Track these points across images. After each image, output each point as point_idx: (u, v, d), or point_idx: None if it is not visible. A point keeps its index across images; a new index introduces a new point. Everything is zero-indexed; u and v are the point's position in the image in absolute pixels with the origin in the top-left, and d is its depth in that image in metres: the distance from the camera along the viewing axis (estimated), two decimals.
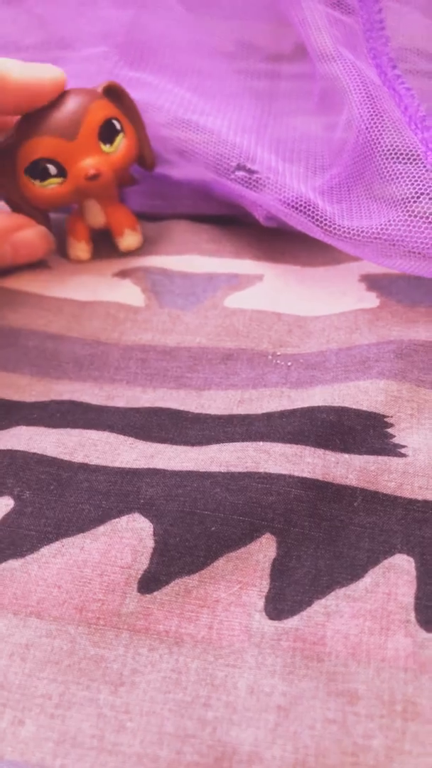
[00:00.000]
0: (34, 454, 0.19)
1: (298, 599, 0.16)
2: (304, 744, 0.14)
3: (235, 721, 0.15)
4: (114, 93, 0.25)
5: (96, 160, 0.24)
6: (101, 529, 0.17)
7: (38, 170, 0.24)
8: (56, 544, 0.17)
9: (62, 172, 0.24)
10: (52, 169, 0.24)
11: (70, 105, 0.24)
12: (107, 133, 0.24)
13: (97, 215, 0.26)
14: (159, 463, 0.19)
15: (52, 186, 0.24)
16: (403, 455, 0.19)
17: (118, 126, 0.24)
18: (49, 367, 0.23)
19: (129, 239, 0.26)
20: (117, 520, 0.18)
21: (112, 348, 0.23)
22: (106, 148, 0.24)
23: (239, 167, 0.24)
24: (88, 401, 0.22)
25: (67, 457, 0.19)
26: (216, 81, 0.30)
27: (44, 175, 0.24)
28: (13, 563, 0.17)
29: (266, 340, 0.23)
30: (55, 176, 0.24)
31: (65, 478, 0.19)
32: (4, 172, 0.25)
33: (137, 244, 0.27)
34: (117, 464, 0.19)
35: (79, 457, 0.19)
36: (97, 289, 0.25)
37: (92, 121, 0.24)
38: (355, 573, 0.17)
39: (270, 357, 0.22)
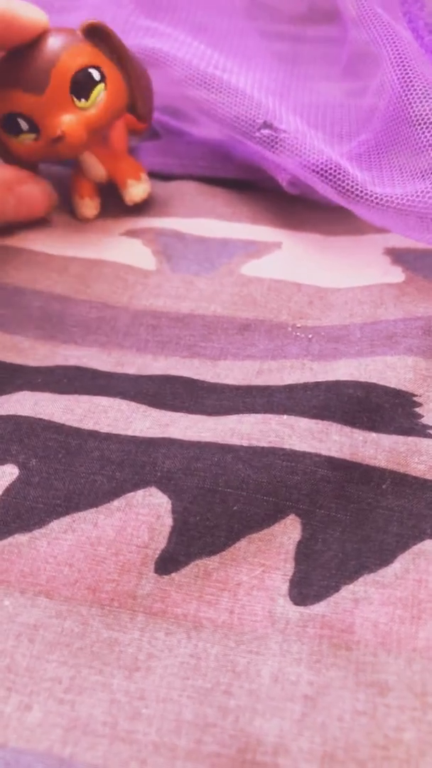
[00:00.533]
0: (41, 419, 0.18)
1: (324, 584, 0.15)
2: (333, 736, 0.13)
3: (258, 710, 0.14)
4: (97, 34, 0.22)
5: (68, 118, 0.21)
6: (116, 503, 0.16)
7: (11, 124, 0.22)
8: (67, 519, 0.16)
9: (35, 128, 0.22)
10: (24, 124, 0.22)
11: (41, 52, 0.21)
12: (82, 86, 0.21)
13: (96, 168, 0.24)
14: (175, 433, 0.18)
15: (26, 141, 0.22)
16: None
17: (96, 76, 0.22)
18: (54, 330, 0.22)
19: (133, 190, 0.24)
20: (132, 494, 0.16)
21: (121, 312, 0.22)
22: (80, 103, 0.21)
23: (265, 125, 0.22)
24: (96, 367, 0.20)
25: (75, 424, 0.18)
26: (236, 39, 0.28)
27: (17, 130, 0.22)
28: (20, 538, 0.16)
29: (285, 312, 0.22)
30: (28, 132, 0.22)
31: (74, 445, 0.18)
32: None
33: (143, 194, 0.24)
34: (130, 432, 0.18)
35: (88, 424, 0.18)
36: (104, 249, 0.24)
37: (63, 72, 0.21)
38: (383, 558, 0.16)
39: (290, 329, 0.21)
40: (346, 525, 0.16)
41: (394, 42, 0.22)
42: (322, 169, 0.22)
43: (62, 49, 0.21)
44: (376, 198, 0.21)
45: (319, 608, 0.15)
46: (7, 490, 0.17)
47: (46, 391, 0.19)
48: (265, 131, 0.22)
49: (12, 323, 0.22)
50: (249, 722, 0.14)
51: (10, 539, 0.16)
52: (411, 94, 0.23)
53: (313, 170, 0.22)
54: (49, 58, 0.21)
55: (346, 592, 0.15)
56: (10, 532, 0.16)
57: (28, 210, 0.24)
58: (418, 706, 0.14)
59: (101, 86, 0.22)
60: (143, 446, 0.18)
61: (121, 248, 0.24)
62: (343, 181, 0.21)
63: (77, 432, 0.18)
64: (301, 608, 0.15)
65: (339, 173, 0.21)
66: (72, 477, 0.17)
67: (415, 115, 0.23)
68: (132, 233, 0.25)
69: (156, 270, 0.23)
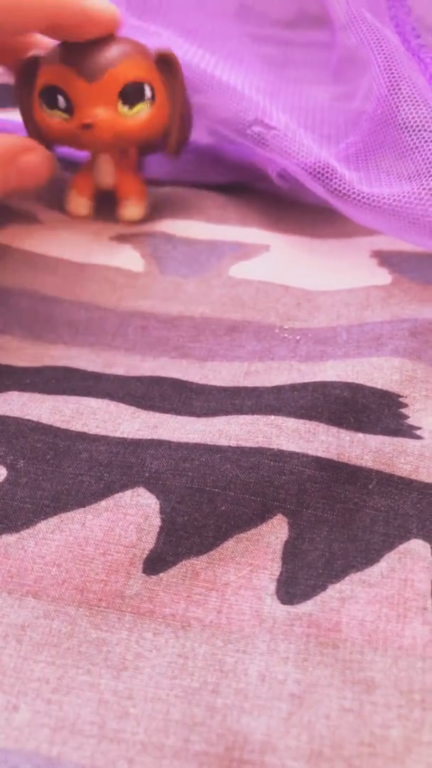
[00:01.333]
0: (29, 420, 0.18)
1: (311, 583, 0.16)
2: (320, 734, 0.14)
3: (246, 708, 0.14)
4: (166, 62, 0.23)
5: (102, 113, 0.22)
6: (103, 503, 0.16)
7: (50, 97, 0.22)
8: (54, 519, 0.16)
9: (70, 110, 0.22)
10: (62, 101, 0.22)
11: (109, 48, 0.22)
12: (132, 94, 0.22)
13: (106, 174, 0.24)
14: (163, 434, 0.18)
15: (57, 118, 0.23)
16: (418, 437, 0.18)
17: (148, 93, 0.22)
18: (42, 330, 0.22)
19: (130, 209, 0.25)
20: (120, 494, 0.16)
21: (110, 314, 0.22)
22: (123, 108, 0.22)
23: (256, 122, 0.23)
24: (84, 368, 0.20)
25: (63, 425, 0.18)
26: (225, 43, 0.28)
27: (52, 104, 0.22)
28: (8, 538, 0.16)
29: (273, 314, 0.22)
30: (63, 110, 0.22)
31: (62, 447, 0.18)
32: (25, 86, 0.23)
33: (137, 216, 0.25)
34: (118, 434, 0.18)
35: (77, 426, 0.18)
36: (93, 251, 0.24)
37: (122, 74, 0.22)
38: (370, 557, 0.16)
39: (277, 330, 0.21)
40: (333, 525, 0.16)
41: (382, 46, 0.23)
42: (311, 167, 0.22)
43: (130, 54, 0.22)
44: (364, 197, 0.21)
45: (306, 607, 0.15)
46: None
47: (35, 392, 0.19)
48: (256, 128, 0.23)
49: (0, 323, 0.22)
50: (236, 721, 0.14)
51: None
52: (398, 98, 0.23)
53: (302, 168, 0.22)
54: (114, 56, 0.22)
55: (333, 591, 0.15)
56: None
57: (31, 179, 0.24)
58: (404, 703, 0.14)
59: (148, 105, 0.22)
60: (131, 447, 0.18)
61: (110, 251, 0.24)
62: (332, 180, 0.22)
63: (66, 433, 0.18)
64: (288, 607, 0.15)
65: (328, 171, 0.22)
66: (60, 478, 0.17)
67: (402, 119, 0.23)
68: (121, 237, 0.25)
69: (145, 272, 0.23)
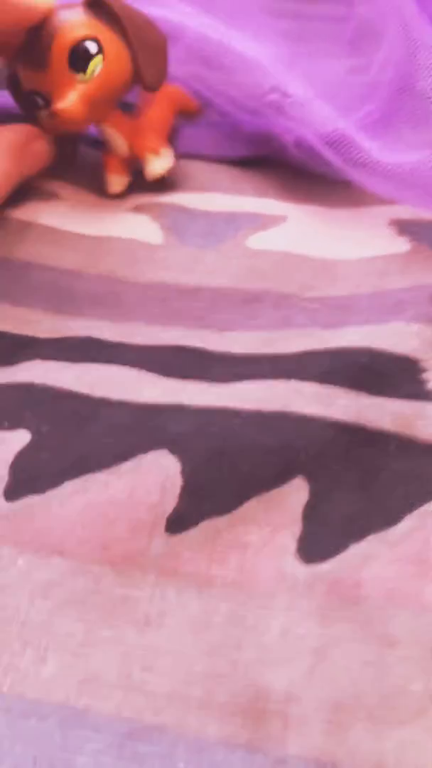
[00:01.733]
0: (52, 387, 0.18)
1: (332, 543, 0.16)
2: (342, 686, 0.14)
3: (268, 662, 0.14)
4: (97, 4, 0.22)
5: (65, 100, 0.21)
6: (126, 465, 0.17)
7: (29, 101, 0.23)
8: (79, 480, 0.16)
9: (49, 104, 0.22)
10: (39, 100, 0.22)
11: (43, 30, 0.21)
12: (78, 59, 0.21)
13: (118, 143, 0.24)
14: (184, 399, 0.18)
15: (45, 116, 0.23)
16: None
17: (93, 48, 0.21)
18: (63, 303, 0.22)
19: (152, 165, 0.24)
20: (143, 456, 0.17)
21: (130, 286, 0.22)
22: (79, 76, 0.21)
23: (273, 89, 0.23)
24: (105, 338, 0.20)
25: (86, 392, 0.18)
26: (242, 17, 0.28)
27: (35, 106, 0.23)
28: (33, 499, 0.16)
29: (292, 283, 0.22)
30: (44, 107, 0.22)
31: (85, 412, 0.18)
32: (17, 95, 0.23)
33: (162, 169, 0.24)
34: (140, 400, 0.18)
35: (99, 392, 0.18)
36: (112, 224, 0.24)
37: (61, 47, 0.21)
38: (390, 518, 0.16)
39: (296, 300, 0.21)
40: (353, 486, 0.17)
41: (400, 13, 0.22)
42: (328, 136, 0.22)
43: (61, 23, 0.21)
44: (382, 166, 0.21)
45: (327, 566, 0.15)
46: (20, 454, 0.17)
47: (57, 360, 0.19)
48: (274, 96, 0.23)
49: (21, 297, 0.22)
50: (259, 674, 0.14)
51: (23, 500, 0.16)
52: (415, 66, 0.23)
53: (320, 137, 0.22)
54: (49, 33, 0.21)
55: (354, 550, 0.16)
56: (23, 493, 0.16)
57: (37, 165, 0.24)
58: (426, 657, 0.14)
59: (98, 58, 0.21)
60: (153, 412, 0.18)
61: (129, 224, 0.24)
62: (350, 149, 0.22)
63: (88, 399, 0.18)
64: (309, 566, 0.15)
65: (345, 141, 0.22)
66: (83, 441, 0.17)
67: (420, 88, 0.23)
68: (139, 209, 0.25)
69: (163, 244, 0.24)
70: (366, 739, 0.13)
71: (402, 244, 0.22)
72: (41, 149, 0.24)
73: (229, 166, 0.26)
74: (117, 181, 0.24)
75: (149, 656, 0.14)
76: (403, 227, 0.23)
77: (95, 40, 0.22)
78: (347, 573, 0.15)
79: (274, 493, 0.16)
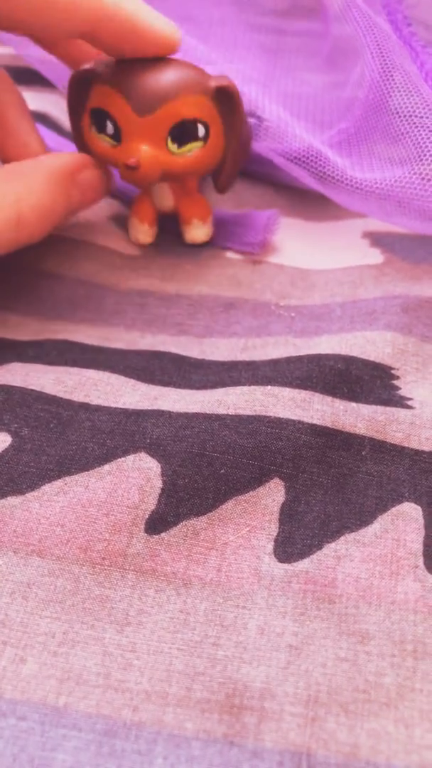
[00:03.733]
0: (32, 390, 0.18)
1: (307, 543, 0.16)
2: (316, 681, 0.14)
3: (245, 659, 0.15)
4: (225, 96, 0.21)
5: (148, 153, 0.20)
6: (106, 467, 0.17)
7: (98, 119, 0.21)
8: (59, 482, 0.17)
9: (117, 137, 0.21)
10: (110, 128, 0.21)
11: (164, 76, 0.20)
12: (183, 133, 0.21)
13: (164, 198, 0.23)
14: (164, 405, 0.18)
15: (104, 142, 0.21)
16: (409, 407, 0.19)
17: (201, 133, 0.21)
18: (43, 306, 0.22)
19: (196, 231, 0.24)
20: (123, 459, 0.17)
21: (109, 291, 0.23)
22: (172, 146, 0.21)
23: (249, 114, 0.23)
24: (84, 341, 0.21)
25: (66, 396, 0.19)
26: (221, 30, 0.29)
27: (101, 127, 0.21)
28: (13, 500, 0.16)
29: (269, 291, 0.22)
30: (111, 137, 0.21)
31: (66, 416, 0.18)
32: (77, 101, 0.22)
33: (204, 237, 0.24)
34: (119, 405, 0.18)
35: (79, 396, 0.19)
36: (91, 230, 0.24)
37: (174, 112, 0.20)
38: (363, 519, 0.17)
39: (273, 308, 0.22)
40: (328, 488, 0.17)
41: (375, 33, 0.23)
42: (303, 155, 0.22)
43: (185, 87, 0.20)
44: (356, 183, 0.22)
45: (303, 565, 0.16)
46: (0, 456, 0.17)
47: (37, 363, 0.20)
48: (250, 120, 0.23)
49: (1, 299, 0.22)
50: (236, 670, 0.14)
51: (2, 501, 0.16)
52: (390, 85, 0.24)
53: (295, 157, 0.23)
54: (169, 88, 0.20)
55: (329, 549, 0.16)
56: (3, 495, 0.16)
57: (91, 195, 0.23)
58: (396, 653, 0.15)
59: (200, 144, 0.21)
60: (133, 417, 0.18)
61: (109, 231, 0.25)
62: (324, 167, 0.22)
63: (68, 403, 0.18)
64: (285, 565, 0.16)
65: (320, 159, 0.22)
66: (64, 444, 0.17)
67: (394, 106, 0.24)
68: (118, 219, 0.25)
69: (142, 253, 0.24)
70: (340, 730, 0.13)
71: (375, 256, 0.23)
72: (94, 179, 0.22)
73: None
74: (148, 233, 0.24)
75: (128, 655, 0.15)
76: (377, 239, 0.24)
77: (207, 127, 0.21)
78: (322, 572, 0.16)
79: (252, 495, 0.17)
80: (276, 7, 0.33)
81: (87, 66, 0.21)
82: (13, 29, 0.20)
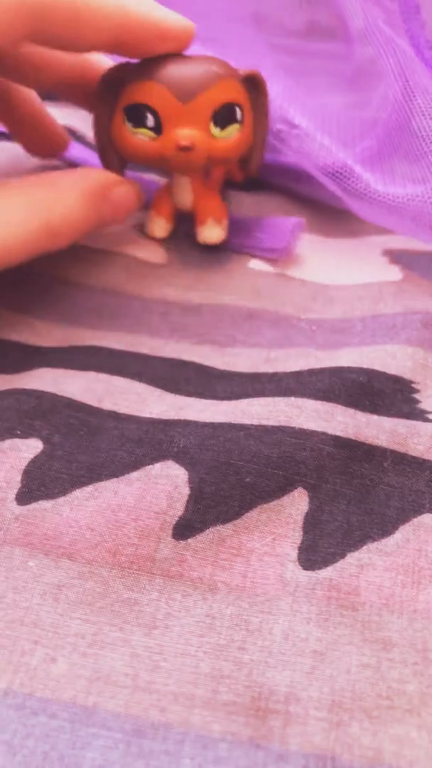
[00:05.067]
0: (63, 397, 0.19)
1: (331, 551, 0.16)
2: (341, 686, 0.15)
3: (270, 664, 0.15)
4: (253, 82, 0.23)
5: (195, 135, 0.21)
6: (135, 474, 0.17)
7: (136, 114, 0.22)
8: (89, 488, 0.17)
9: (158, 128, 0.21)
10: (150, 120, 0.21)
11: (201, 68, 0.21)
12: (224, 116, 0.22)
13: (184, 195, 0.24)
14: (189, 415, 0.19)
15: (141, 137, 0.22)
16: (430, 420, 0.19)
17: (238, 115, 0.22)
18: (68, 313, 0.23)
19: (210, 231, 0.24)
20: (151, 466, 0.17)
21: (133, 300, 0.23)
22: (214, 130, 0.22)
23: (279, 119, 0.24)
24: (111, 347, 0.21)
25: (95, 404, 0.19)
26: (245, 51, 0.30)
27: (139, 122, 0.22)
28: (44, 504, 0.17)
29: (290, 305, 0.23)
30: (150, 129, 0.22)
31: (95, 424, 0.19)
32: (104, 103, 0.22)
33: (217, 238, 0.24)
34: (146, 414, 0.19)
35: (107, 405, 0.19)
36: (116, 240, 0.25)
37: (215, 95, 0.21)
38: (385, 529, 0.17)
39: (294, 321, 0.22)
40: (351, 498, 0.17)
41: (398, 56, 0.24)
42: (330, 167, 0.23)
43: (222, 75, 0.22)
44: (380, 196, 0.22)
45: (327, 573, 0.16)
46: (32, 461, 0.18)
47: (64, 368, 0.20)
48: (279, 126, 0.24)
49: (30, 307, 0.23)
50: (262, 674, 0.15)
51: (34, 505, 0.17)
52: (412, 106, 0.24)
53: (321, 168, 0.23)
54: (208, 76, 0.21)
55: (352, 558, 0.16)
56: (35, 498, 0.17)
57: (122, 212, 0.23)
58: (419, 660, 0.15)
59: (238, 126, 0.22)
60: (160, 426, 0.19)
61: (133, 240, 0.25)
62: (349, 179, 0.23)
63: (98, 412, 0.19)
64: (309, 573, 0.16)
65: (345, 171, 0.23)
66: (94, 452, 0.18)
67: (415, 126, 0.24)
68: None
69: (167, 263, 0.24)
70: (363, 735, 0.14)
71: (395, 273, 0.24)
72: (126, 197, 0.23)
73: (233, 191, 0.27)
74: (164, 227, 0.25)
75: (156, 657, 0.15)
76: (396, 256, 0.24)
77: (242, 109, 0.22)
78: (345, 580, 0.16)
79: (276, 503, 0.17)
80: (296, 27, 0.33)
81: (118, 65, 0.22)
82: (42, 43, 0.20)
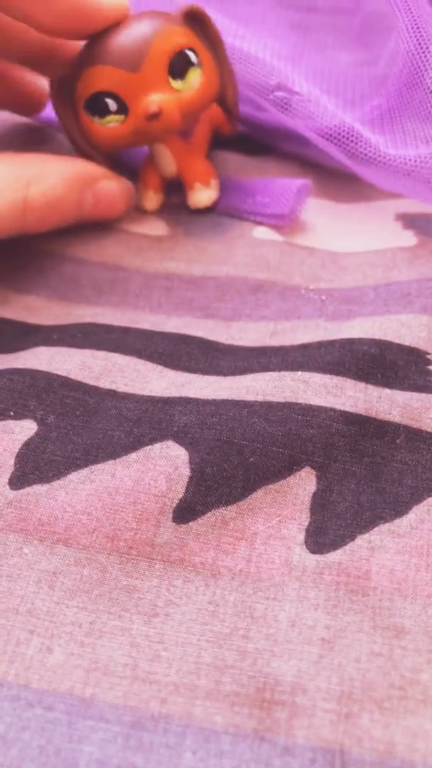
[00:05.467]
0: (58, 375, 0.18)
1: (340, 533, 0.16)
2: (350, 676, 0.14)
3: (276, 652, 0.14)
4: (194, 19, 0.21)
5: (161, 97, 0.20)
6: (133, 455, 0.16)
7: (97, 105, 0.21)
8: (85, 471, 0.16)
9: (123, 109, 0.21)
10: (112, 104, 0.20)
11: (136, 29, 0.20)
12: (179, 66, 0.20)
13: (167, 163, 0.23)
14: (191, 392, 0.18)
15: (112, 124, 0.21)
16: None
17: (193, 58, 0.21)
18: (67, 290, 0.22)
19: (199, 195, 0.23)
20: (150, 447, 0.17)
21: (134, 274, 0.22)
22: (176, 83, 0.20)
23: (279, 87, 0.22)
24: (110, 323, 0.20)
25: (92, 382, 0.18)
26: (249, 6, 0.28)
27: (103, 112, 0.21)
28: (38, 488, 0.16)
29: (298, 275, 0.22)
30: (116, 113, 0.21)
31: (92, 403, 0.18)
32: (65, 106, 0.22)
33: (207, 201, 0.23)
34: (146, 392, 0.18)
35: (105, 383, 0.18)
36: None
37: (161, 50, 0.20)
38: (398, 509, 0.16)
39: (303, 291, 0.21)
40: (361, 477, 0.16)
41: (410, 7, 0.22)
42: (335, 132, 0.22)
43: (160, 28, 0.20)
44: (390, 160, 0.21)
45: (336, 556, 0.15)
46: (26, 443, 0.17)
47: (62, 346, 0.19)
48: (279, 93, 0.22)
49: (25, 284, 0.22)
50: (267, 664, 0.14)
51: (28, 489, 0.16)
52: (426, 60, 0.23)
53: (327, 134, 0.22)
54: (145, 36, 0.20)
55: (362, 540, 0.15)
56: (29, 482, 0.16)
57: (106, 209, 0.23)
58: None
59: (197, 69, 0.21)
60: (160, 404, 0.18)
61: (133, 215, 0.24)
62: (356, 144, 0.21)
63: (95, 390, 0.18)
64: (317, 556, 0.15)
65: (352, 136, 0.21)
66: (90, 432, 0.17)
67: (429, 82, 0.23)
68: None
69: (168, 235, 0.23)
70: (374, 728, 0.13)
71: (408, 238, 0.22)
72: (111, 192, 0.22)
73: (234, 154, 0.26)
74: (153, 199, 0.24)
75: (156, 646, 0.14)
76: (410, 221, 0.23)
77: (195, 51, 0.21)
78: (355, 563, 0.15)
79: (282, 484, 0.16)
80: None
81: (61, 72, 0.22)
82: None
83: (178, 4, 0.22)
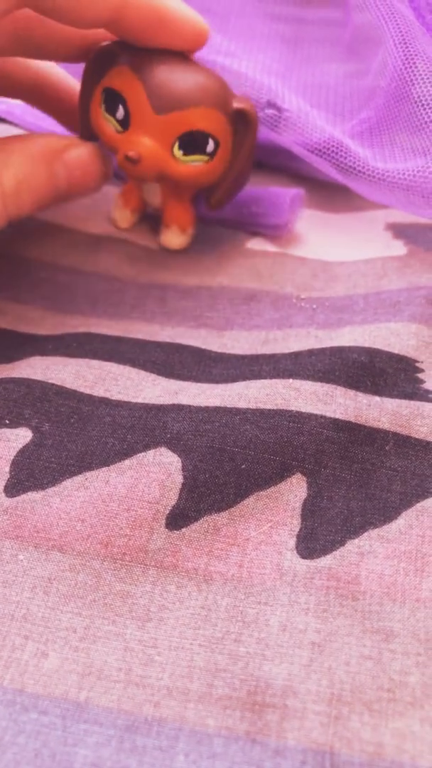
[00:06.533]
0: (53, 384, 0.18)
1: (330, 539, 0.16)
2: (340, 679, 0.14)
3: (267, 656, 0.14)
4: (242, 118, 0.21)
5: (151, 150, 0.20)
6: (127, 462, 0.17)
7: (110, 99, 0.20)
8: (79, 478, 0.17)
9: (125, 124, 0.20)
10: (121, 112, 0.20)
11: (189, 83, 0.19)
12: (192, 143, 0.20)
13: (153, 194, 0.23)
14: (184, 400, 0.18)
15: (110, 125, 0.20)
16: None
17: (209, 148, 0.20)
18: (62, 300, 0.22)
19: (172, 237, 0.23)
20: (143, 454, 0.17)
21: (129, 285, 0.23)
22: (178, 152, 0.20)
23: (269, 104, 0.23)
24: (105, 333, 0.21)
25: (87, 391, 0.19)
26: (240, 20, 0.28)
27: (111, 110, 0.20)
28: (33, 495, 0.16)
29: (290, 284, 0.22)
30: (119, 122, 0.20)
31: (86, 411, 0.18)
32: (92, 77, 0.21)
33: (176, 246, 0.23)
34: (140, 400, 0.18)
35: (99, 391, 0.19)
36: (111, 226, 0.24)
37: (189, 119, 0.19)
38: (387, 515, 0.16)
39: (294, 300, 0.22)
40: (351, 484, 0.17)
41: (397, 21, 0.23)
42: (324, 147, 0.22)
43: (206, 98, 0.20)
44: (378, 173, 0.21)
45: (326, 561, 0.16)
46: (21, 451, 0.17)
47: (57, 356, 0.20)
48: (269, 111, 0.23)
49: (21, 294, 0.22)
50: (258, 667, 0.14)
51: (23, 496, 0.16)
52: (413, 73, 0.23)
53: (316, 149, 0.22)
54: (190, 94, 0.19)
55: (352, 546, 0.16)
56: (24, 490, 0.16)
57: (81, 179, 0.21)
58: (422, 651, 0.14)
59: (205, 158, 0.20)
60: (153, 412, 0.18)
61: (129, 228, 0.24)
62: (345, 158, 0.22)
63: (89, 398, 0.18)
64: (308, 561, 0.16)
65: (341, 150, 0.22)
66: (84, 440, 0.17)
67: (417, 95, 0.23)
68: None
69: (162, 247, 0.24)
70: (364, 729, 0.13)
71: (398, 248, 0.23)
72: (82, 158, 0.21)
73: None
74: (126, 217, 0.24)
75: (149, 651, 0.15)
76: (399, 231, 0.23)
77: (217, 143, 0.20)
78: (345, 568, 0.15)
79: (273, 490, 0.17)
80: None
81: (111, 42, 0.21)
82: (41, 12, 0.19)
83: (246, 84, 0.21)
